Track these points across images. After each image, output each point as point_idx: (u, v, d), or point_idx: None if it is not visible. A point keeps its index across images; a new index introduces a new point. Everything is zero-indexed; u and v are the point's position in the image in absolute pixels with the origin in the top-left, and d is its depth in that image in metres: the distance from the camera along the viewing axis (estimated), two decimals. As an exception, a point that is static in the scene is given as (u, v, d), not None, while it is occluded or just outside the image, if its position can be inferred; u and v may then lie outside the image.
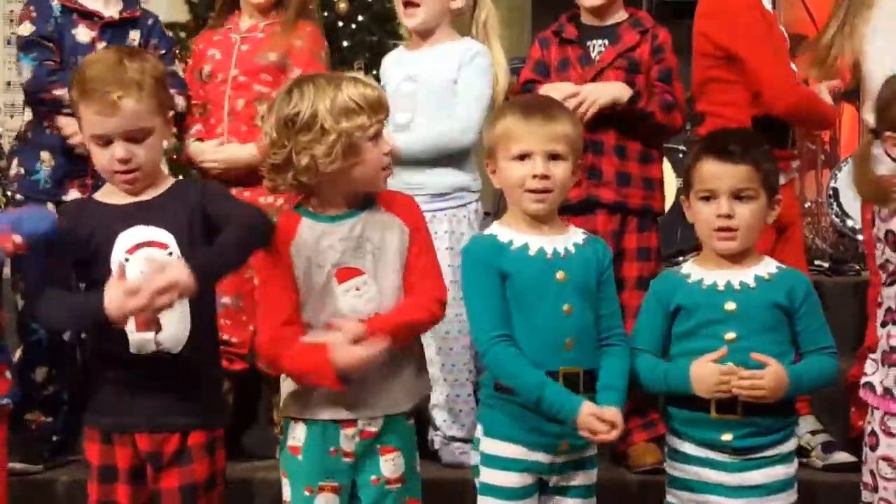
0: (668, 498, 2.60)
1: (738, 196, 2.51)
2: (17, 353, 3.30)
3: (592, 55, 3.31)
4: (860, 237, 3.59)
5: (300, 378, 2.48)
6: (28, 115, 3.40)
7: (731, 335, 2.50)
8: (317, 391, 2.49)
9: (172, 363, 2.44)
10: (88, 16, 3.32)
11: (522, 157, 2.48)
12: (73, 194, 3.25)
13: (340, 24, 5.18)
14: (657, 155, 3.38)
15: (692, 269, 2.60)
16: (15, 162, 3.37)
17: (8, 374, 2.61)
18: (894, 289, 2.62)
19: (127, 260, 2.39)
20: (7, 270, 3.24)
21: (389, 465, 2.51)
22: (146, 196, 2.50)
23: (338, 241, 2.49)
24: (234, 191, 3.01)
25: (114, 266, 2.40)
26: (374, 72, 3.91)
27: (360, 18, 5.25)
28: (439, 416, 3.33)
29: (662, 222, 3.50)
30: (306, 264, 2.49)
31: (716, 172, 2.53)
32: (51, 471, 3.29)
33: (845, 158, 5.17)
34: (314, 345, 2.42)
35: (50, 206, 3.23)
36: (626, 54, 3.27)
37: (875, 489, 2.62)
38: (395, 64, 3.45)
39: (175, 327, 2.43)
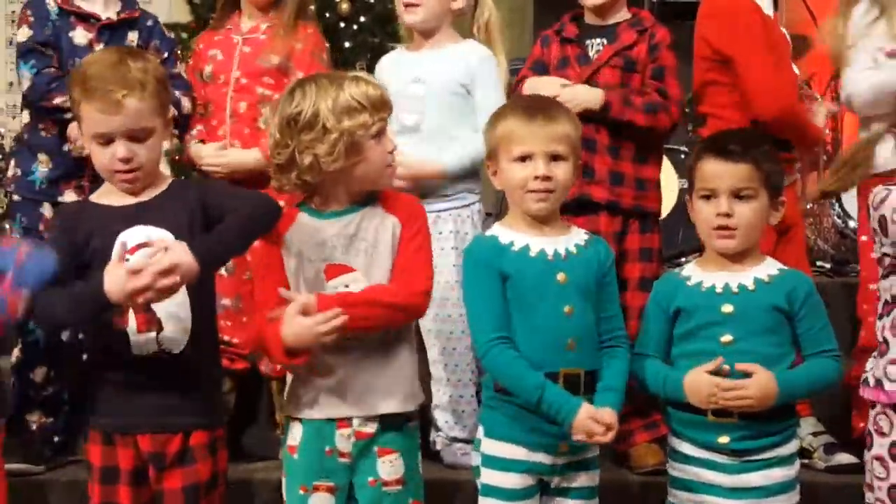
0: (670, 498, 2.60)
1: (738, 195, 2.52)
2: (15, 353, 3.31)
3: (590, 54, 3.31)
4: (864, 238, 3.58)
5: (262, 351, 2.51)
6: (26, 117, 3.40)
7: (727, 338, 2.50)
8: (311, 390, 2.50)
9: (173, 363, 2.45)
10: (86, 18, 3.30)
11: (524, 158, 2.49)
12: (69, 195, 3.25)
13: (342, 24, 5.17)
14: (654, 156, 3.36)
15: (693, 271, 2.61)
16: (13, 163, 3.38)
17: None
18: (889, 281, 2.63)
19: (126, 260, 2.39)
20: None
21: (387, 466, 2.51)
22: (145, 196, 2.50)
23: (331, 237, 2.50)
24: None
25: None
26: (376, 72, 3.90)
27: (361, 19, 5.24)
28: (441, 417, 3.33)
29: (664, 223, 3.50)
30: (297, 258, 2.50)
31: (716, 171, 2.53)
32: (51, 471, 3.28)
33: (847, 159, 5.16)
34: (272, 319, 2.43)
35: (47, 206, 3.25)
36: (622, 53, 3.27)
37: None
38: (395, 65, 3.43)
39: (175, 327, 2.43)
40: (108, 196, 2.52)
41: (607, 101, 3.19)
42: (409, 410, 2.54)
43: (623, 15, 3.35)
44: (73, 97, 2.47)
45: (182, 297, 2.42)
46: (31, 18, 3.29)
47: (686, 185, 2.76)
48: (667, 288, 2.62)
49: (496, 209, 4.54)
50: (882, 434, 2.60)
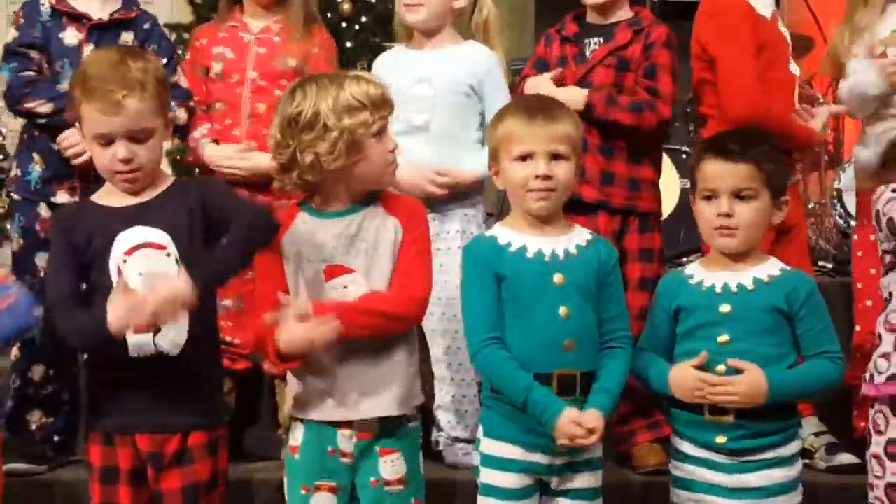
0: (672, 498, 2.60)
1: (739, 195, 2.52)
2: (14, 352, 3.31)
3: (587, 53, 3.31)
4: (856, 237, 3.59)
5: (260, 352, 2.53)
6: (25, 117, 3.40)
7: (724, 337, 2.51)
8: (312, 392, 2.50)
9: (172, 363, 2.44)
10: (78, 18, 3.25)
11: (524, 157, 2.49)
12: (61, 196, 3.22)
13: (344, 24, 5.18)
14: (651, 156, 3.35)
15: (696, 271, 2.62)
16: (15, 163, 3.38)
17: None
18: (888, 278, 2.65)
19: (125, 261, 2.40)
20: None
21: (389, 466, 2.51)
22: (145, 197, 2.49)
23: (331, 238, 2.50)
24: (247, 194, 3.03)
25: (112, 268, 2.41)
26: (377, 73, 3.89)
27: (363, 19, 5.26)
28: (444, 417, 3.33)
29: (665, 223, 3.49)
30: (297, 258, 2.50)
31: (717, 172, 2.54)
32: (53, 472, 3.28)
33: (849, 159, 5.16)
34: (269, 321, 2.43)
35: (43, 206, 3.24)
36: (616, 52, 3.27)
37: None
38: (394, 63, 3.40)
39: (174, 330, 2.42)
40: (109, 196, 2.52)
41: (590, 102, 3.19)
42: (408, 413, 2.54)
43: (624, 14, 3.35)
44: (74, 96, 2.47)
45: None
46: (22, 20, 3.26)
47: (687, 185, 2.77)
48: (670, 286, 2.63)
49: (497, 209, 4.55)
50: (879, 432, 2.62)
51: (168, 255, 2.43)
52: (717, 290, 2.54)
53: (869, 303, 3.25)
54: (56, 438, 3.30)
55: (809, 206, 5.33)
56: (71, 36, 3.25)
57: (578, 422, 2.41)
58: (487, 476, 2.53)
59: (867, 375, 2.65)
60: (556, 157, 2.49)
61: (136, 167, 2.45)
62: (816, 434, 3.35)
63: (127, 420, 2.46)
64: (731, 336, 2.50)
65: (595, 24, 3.35)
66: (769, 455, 2.50)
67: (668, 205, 3.93)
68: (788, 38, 3.49)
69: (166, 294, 2.29)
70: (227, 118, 3.38)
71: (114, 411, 2.47)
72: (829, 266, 4.74)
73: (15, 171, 3.34)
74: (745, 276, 2.54)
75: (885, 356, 2.62)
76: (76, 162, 3.16)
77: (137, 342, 2.41)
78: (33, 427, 3.27)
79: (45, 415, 3.28)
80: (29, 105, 3.19)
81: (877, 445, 2.61)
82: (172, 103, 3.08)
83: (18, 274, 3.24)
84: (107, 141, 2.43)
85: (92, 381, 2.55)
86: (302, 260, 2.50)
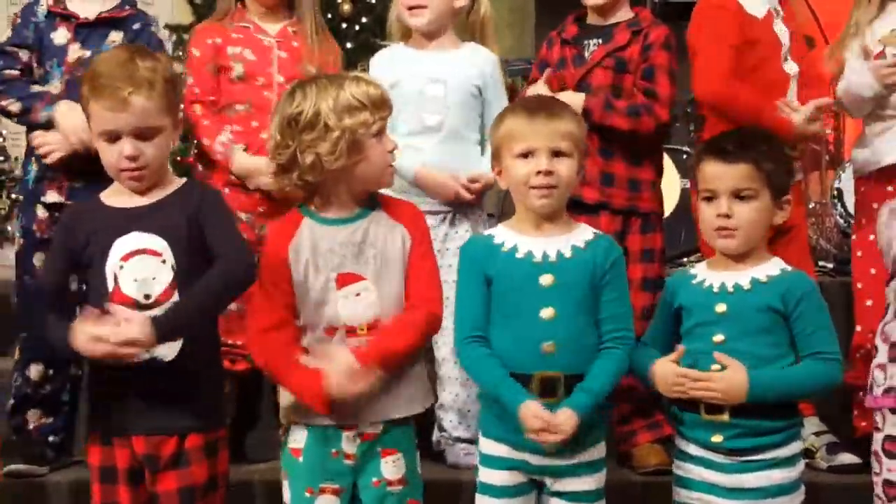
0: (675, 497, 2.60)
1: (738, 196, 2.52)
2: (17, 353, 3.30)
3: (586, 55, 3.31)
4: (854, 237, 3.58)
5: (293, 394, 2.51)
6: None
7: (719, 337, 2.51)
8: None
9: (170, 366, 2.44)
10: (68, 17, 3.25)
11: (526, 154, 2.50)
12: (51, 196, 3.22)
13: (344, 25, 5.19)
14: (651, 157, 3.35)
15: (699, 270, 2.62)
16: (20, 164, 3.41)
17: None
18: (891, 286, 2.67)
19: (121, 267, 2.41)
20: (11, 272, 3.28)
21: (390, 466, 2.51)
22: (152, 198, 2.50)
23: (338, 246, 2.49)
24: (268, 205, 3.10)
25: (108, 273, 2.42)
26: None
27: (363, 20, 5.26)
28: (446, 417, 3.32)
29: (666, 223, 3.49)
30: (304, 266, 2.49)
31: (716, 173, 2.54)
32: (54, 472, 3.27)
33: (849, 159, 5.15)
34: (310, 370, 2.43)
35: (39, 206, 3.24)
36: (614, 53, 3.27)
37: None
38: (391, 62, 3.38)
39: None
40: (117, 196, 2.52)
41: (587, 108, 3.19)
42: (417, 413, 2.55)
43: (625, 15, 3.35)
44: (83, 94, 2.48)
45: None
46: (18, 21, 3.29)
47: (688, 185, 2.77)
48: (674, 285, 2.64)
49: (497, 210, 4.55)
50: (877, 430, 2.63)
51: (164, 262, 2.43)
52: (715, 289, 2.54)
53: (869, 302, 3.25)
54: (52, 438, 3.27)
55: (810, 206, 5.33)
56: (60, 36, 3.25)
57: (540, 416, 2.40)
58: (484, 474, 2.56)
59: (869, 383, 2.65)
60: (557, 153, 2.49)
61: (142, 165, 2.45)
62: (817, 434, 3.35)
63: (124, 422, 2.46)
64: (726, 335, 2.50)
65: (595, 26, 3.35)
66: (769, 455, 2.49)
67: (669, 205, 3.92)
68: (787, 37, 3.46)
69: (125, 339, 2.32)
70: (254, 120, 3.31)
71: (111, 412, 2.47)
72: (830, 266, 4.74)
73: (19, 172, 3.37)
74: (744, 276, 2.54)
75: (881, 367, 2.64)
76: (47, 161, 3.18)
77: None
78: (31, 426, 3.26)
79: (43, 414, 3.27)
80: (1, 104, 3.21)
81: (875, 443, 2.62)
82: None
83: (19, 274, 3.25)
84: (113, 138, 2.44)
85: (92, 382, 2.56)
86: (309, 268, 2.49)
